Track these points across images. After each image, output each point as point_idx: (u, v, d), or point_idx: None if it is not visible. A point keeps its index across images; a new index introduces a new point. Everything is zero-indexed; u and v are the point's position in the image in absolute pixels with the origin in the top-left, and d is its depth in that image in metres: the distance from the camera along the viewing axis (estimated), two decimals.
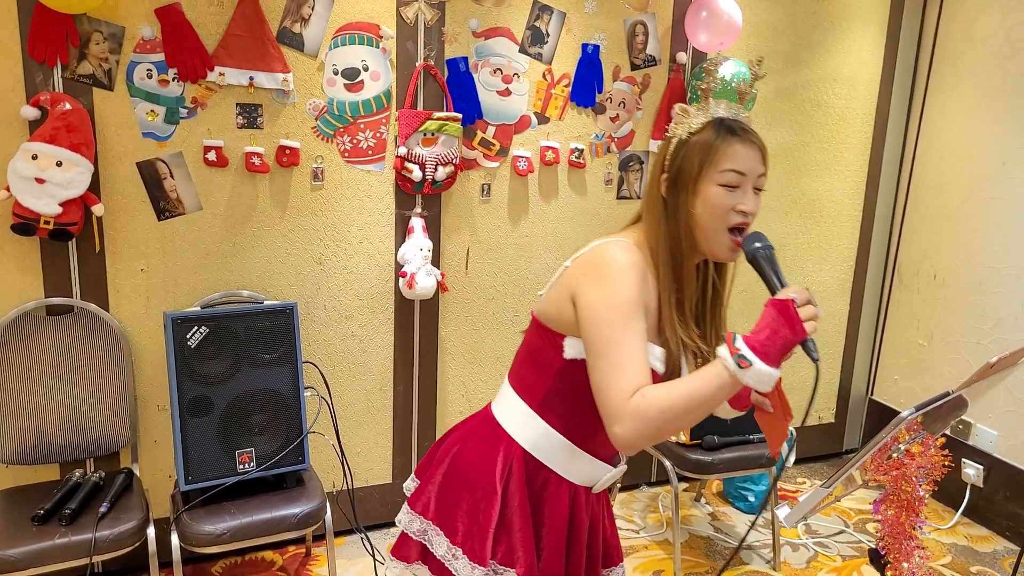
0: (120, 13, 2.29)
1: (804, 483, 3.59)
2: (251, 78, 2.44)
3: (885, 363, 3.74)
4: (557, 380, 1.33)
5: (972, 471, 3.25)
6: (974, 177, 3.27)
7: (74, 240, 2.34)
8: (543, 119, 2.89)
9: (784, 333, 1.12)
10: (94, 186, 2.29)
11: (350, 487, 2.71)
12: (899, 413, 1.22)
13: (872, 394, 3.82)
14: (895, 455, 1.27)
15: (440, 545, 1.38)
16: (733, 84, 2.88)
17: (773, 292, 1.21)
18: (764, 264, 1.24)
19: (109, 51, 2.30)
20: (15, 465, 2.32)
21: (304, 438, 2.35)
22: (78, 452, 2.36)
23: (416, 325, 2.86)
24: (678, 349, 1.28)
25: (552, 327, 1.34)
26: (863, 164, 3.55)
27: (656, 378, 1.25)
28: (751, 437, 2.82)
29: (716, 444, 2.75)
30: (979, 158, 3.25)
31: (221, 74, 2.40)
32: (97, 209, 2.30)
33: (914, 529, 1.31)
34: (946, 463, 1.30)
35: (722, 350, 1.15)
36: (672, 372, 1.29)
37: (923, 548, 1.36)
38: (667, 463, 2.80)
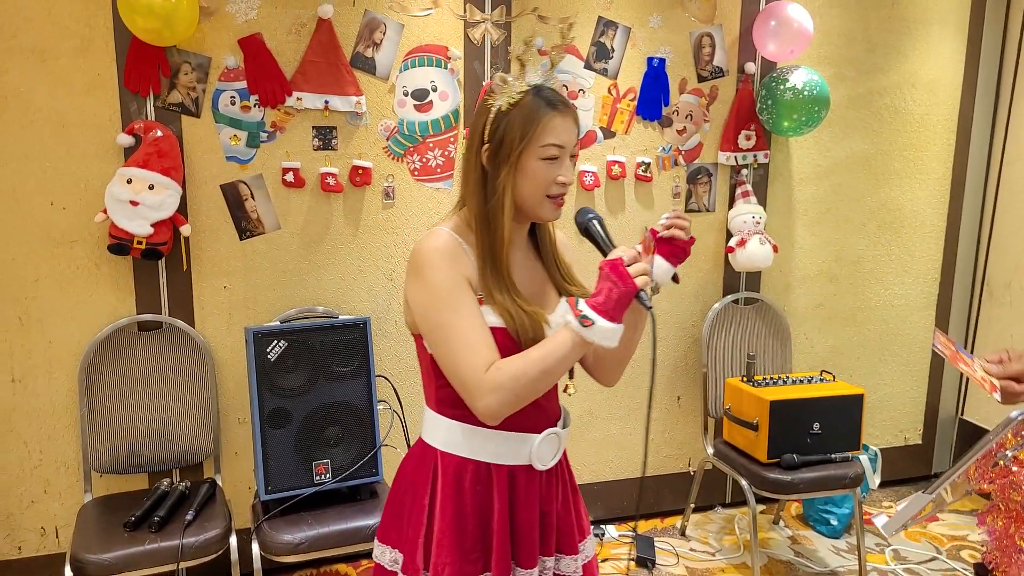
0: (207, 44, 2.43)
1: (890, 507, 3.42)
2: (326, 102, 2.54)
3: None
4: (436, 375, 1.36)
5: None
6: None
7: (163, 259, 2.46)
8: (609, 134, 2.90)
9: (618, 289, 1.21)
10: (182, 208, 2.42)
11: None
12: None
13: (963, 414, 3.62)
14: (1001, 462, 1.19)
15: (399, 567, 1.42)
16: (805, 92, 2.83)
17: (605, 256, 1.30)
18: (595, 233, 1.36)
19: (196, 80, 2.43)
20: (108, 474, 2.44)
21: (378, 451, 2.39)
22: (165, 463, 2.47)
23: None
24: (505, 312, 1.31)
25: (413, 331, 1.40)
26: (946, 172, 3.41)
27: (506, 335, 1.30)
28: (833, 456, 2.71)
29: (795, 463, 2.65)
30: None
31: (299, 99, 2.51)
32: (185, 229, 2.43)
33: None
34: None
35: (567, 314, 1.24)
36: (515, 327, 1.31)
37: None
38: (744, 483, 2.71)
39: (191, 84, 2.43)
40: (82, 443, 2.39)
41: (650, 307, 1.25)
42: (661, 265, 1.33)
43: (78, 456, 2.47)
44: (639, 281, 1.22)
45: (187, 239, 2.48)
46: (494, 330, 1.30)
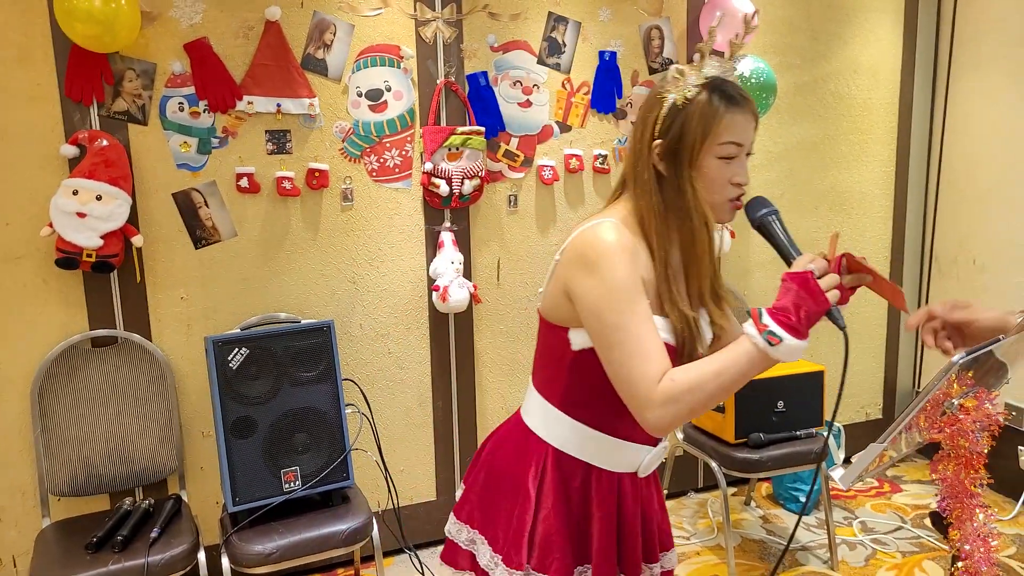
0: (151, 50, 2.37)
1: (856, 482, 3.50)
2: (278, 105, 2.50)
3: (931, 354, 3.65)
4: (572, 373, 1.30)
5: None
6: (1007, 158, 3.22)
7: (116, 272, 2.39)
8: (565, 128, 2.91)
9: (809, 306, 1.11)
10: (132, 218, 2.35)
11: (395, 504, 2.70)
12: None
13: (919, 387, 3.72)
14: (948, 411, 1.24)
15: (484, 554, 1.37)
16: (752, 80, 2.89)
17: (786, 259, 1.21)
18: (774, 231, 1.23)
19: (142, 87, 2.37)
20: (67, 497, 2.35)
21: (347, 455, 2.36)
22: (127, 482, 2.39)
23: (451, 339, 2.87)
24: (680, 321, 1.25)
25: (556, 322, 1.31)
26: (891, 154, 3.51)
27: (671, 349, 1.23)
28: (798, 433, 2.76)
29: (762, 442, 2.70)
30: (1010, 138, 3.19)
31: (249, 103, 2.46)
32: (137, 240, 2.36)
33: (976, 487, 1.27)
34: (1003, 416, 1.27)
35: (750, 327, 1.13)
36: (681, 340, 1.25)
37: (988, 507, 1.31)
38: (713, 464, 2.75)
39: (136, 91, 2.37)
40: (38, 466, 2.31)
41: (843, 326, 1.14)
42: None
43: (34, 480, 2.38)
44: (831, 296, 1.12)
45: (139, 250, 2.41)
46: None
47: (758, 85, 2.89)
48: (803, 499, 3.20)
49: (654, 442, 1.38)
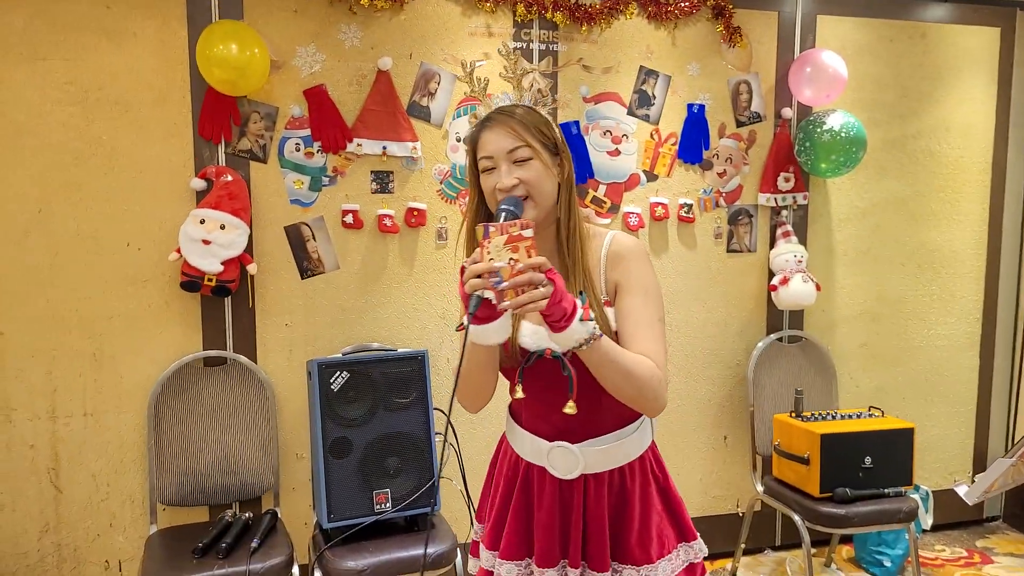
0: (274, 95, 2.59)
1: (943, 551, 3.36)
2: (384, 147, 2.68)
3: None
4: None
5: None
6: None
7: (229, 297, 2.57)
8: (652, 176, 3.00)
9: (463, 293, 1.24)
10: (248, 248, 2.54)
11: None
12: None
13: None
14: None
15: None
16: (842, 134, 2.92)
17: None
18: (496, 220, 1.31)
19: (264, 128, 2.59)
20: (171, 507, 2.50)
21: (435, 481, 2.43)
22: (227, 496, 2.53)
23: None
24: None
25: None
26: (983, 213, 3.46)
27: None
28: (886, 491, 2.69)
29: (849, 497, 2.64)
30: None
31: (359, 145, 2.65)
32: (251, 268, 2.54)
33: None
34: None
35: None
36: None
37: None
38: (796, 518, 2.70)
39: (259, 132, 2.59)
40: (149, 476, 2.46)
41: (472, 312, 1.20)
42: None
43: (143, 489, 2.54)
44: (468, 287, 1.20)
45: (253, 277, 2.59)
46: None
47: (848, 139, 2.92)
48: (888, 563, 3.09)
49: (548, 437, 1.47)
